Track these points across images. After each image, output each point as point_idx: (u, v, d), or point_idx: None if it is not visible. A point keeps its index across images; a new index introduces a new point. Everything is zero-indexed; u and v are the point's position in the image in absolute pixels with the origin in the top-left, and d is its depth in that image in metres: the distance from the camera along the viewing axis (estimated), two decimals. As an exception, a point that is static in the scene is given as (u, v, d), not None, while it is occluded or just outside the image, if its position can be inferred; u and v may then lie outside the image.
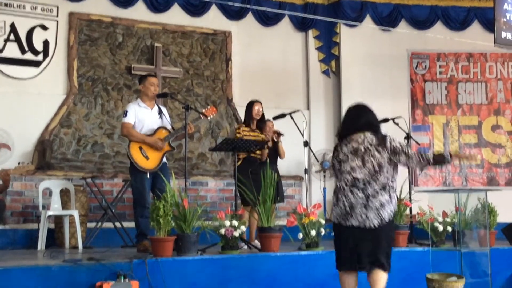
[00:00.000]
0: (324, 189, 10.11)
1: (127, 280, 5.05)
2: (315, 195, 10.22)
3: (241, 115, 9.57)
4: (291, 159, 9.09)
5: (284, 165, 8.12)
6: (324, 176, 10.13)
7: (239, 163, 6.88)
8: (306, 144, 6.95)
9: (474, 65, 11.04)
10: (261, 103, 7.29)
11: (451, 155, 4.55)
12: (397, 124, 7.51)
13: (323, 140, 10.52)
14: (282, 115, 7.12)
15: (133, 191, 6.44)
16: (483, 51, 10.99)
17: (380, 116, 7.87)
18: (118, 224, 7.77)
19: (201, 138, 9.93)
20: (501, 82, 11.05)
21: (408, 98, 10.81)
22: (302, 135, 6.97)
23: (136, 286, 5.08)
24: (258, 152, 7.05)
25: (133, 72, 9.51)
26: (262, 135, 7.23)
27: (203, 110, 6.65)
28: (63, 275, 5.01)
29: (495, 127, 11.01)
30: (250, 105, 7.29)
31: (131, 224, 7.03)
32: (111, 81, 9.49)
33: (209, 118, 6.72)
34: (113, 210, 7.93)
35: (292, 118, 7.04)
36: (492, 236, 6.66)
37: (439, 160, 4.53)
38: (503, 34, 8.70)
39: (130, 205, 8.39)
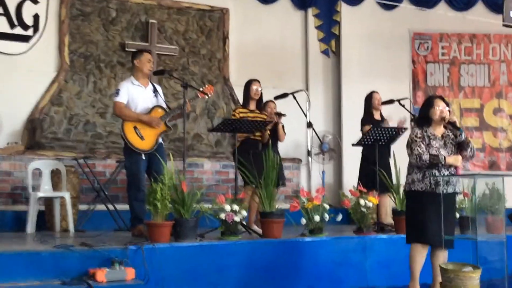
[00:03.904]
0: (323, 172, 9.85)
1: (122, 267, 4.79)
2: (313, 178, 9.96)
3: (238, 94, 9.34)
4: (290, 140, 8.85)
5: (282, 147, 7.83)
6: (323, 159, 9.88)
7: (238, 145, 6.61)
8: (309, 125, 6.68)
9: (477, 46, 10.77)
10: (259, 82, 7.02)
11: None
12: (403, 106, 7.24)
13: (321, 121, 10.19)
14: (284, 95, 6.84)
15: (127, 173, 6.14)
16: (486, 32, 10.72)
17: (382, 98, 7.76)
18: (111, 207, 7.51)
19: (197, 118, 9.61)
20: (504, 65, 10.80)
21: (410, 79, 10.55)
22: (306, 115, 6.68)
23: (132, 273, 4.82)
24: (258, 134, 6.78)
25: (126, 49, 9.13)
26: (262, 115, 6.96)
27: (202, 89, 6.32)
28: (54, 261, 4.75)
29: (497, 111, 10.77)
30: (248, 85, 7.02)
31: (125, 207, 6.76)
32: (104, 58, 9.13)
33: (207, 97, 6.37)
34: (106, 192, 7.66)
35: (294, 98, 6.75)
36: (500, 223, 6.41)
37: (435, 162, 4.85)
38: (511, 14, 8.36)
39: (123, 187, 8.07)
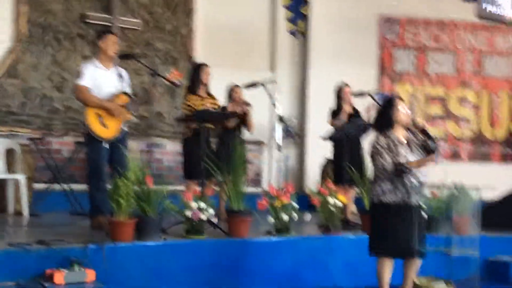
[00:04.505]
0: (287, 156, 9.67)
1: (81, 268, 4.52)
2: (276, 161, 9.78)
3: (202, 73, 9.06)
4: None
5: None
6: (287, 142, 9.70)
7: (190, 133, 6.37)
8: (281, 119, 6.45)
9: (445, 34, 10.68)
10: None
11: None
12: (374, 99, 7.08)
13: (287, 103, 9.98)
14: (254, 84, 6.57)
15: (88, 162, 5.82)
16: (455, 20, 10.63)
17: (350, 83, 7.59)
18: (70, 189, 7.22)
19: (159, 97, 9.28)
20: (470, 53, 10.76)
21: (377, 64, 10.42)
22: (274, 106, 6.45)
23: (92, 275, 4.54)
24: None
25: (87, 20, 8.69)
26: (216, 100, 6.73)
27: (169, 75, 5.99)
28: (8, 261, 4.40)
29: (461, 100, 10.76)
30: (198, 69, 6.72)
31: (82, 187, 6.51)
32: (63, 30, 8.67)
33: (178, 83, 6.05)
34: (62, 173, 7.35)
35: (265, 88, 6.50)
36: (466, 222, 6.37)
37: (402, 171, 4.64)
38: (484, 6, 8.26)
39: (81, 166, 7.85)
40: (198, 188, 5.86)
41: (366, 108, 7.32)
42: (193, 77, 6.71)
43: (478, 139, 10.76)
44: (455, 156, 10.53)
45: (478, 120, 10.79)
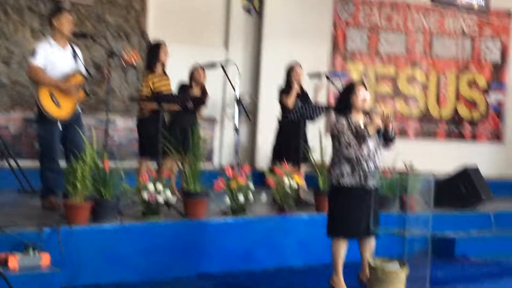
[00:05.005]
0: (237, 130, 9.67)
1: (36, 252, 4.45)
2: (227, 138, 9.78)
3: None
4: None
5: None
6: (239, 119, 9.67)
7: (144, 114, 6.32)
8: (239, 102, 6.43)
9: (397, 14, 10.80)
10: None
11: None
12: (331, 80, 7.13)
13: (240, 81, 9.94)
14: (213, 65, 6.52)
15: (40, 142, 5.69)
16: (407, 1, 10.75)
17: (303, 61, 7.61)
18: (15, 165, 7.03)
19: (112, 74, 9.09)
20: (421, 34, 10.92)
21: (330, 43, 10.48)
22: (234, 89, 6.43)
23: (47, 259, 4.50)
24: None
25: (36, -9, 8.43)
26: (169, 80, 6.67)
27: (126, 56, 5.86)
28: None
29: (410, 79, 10.95)
30: (157, 48, 6.61)
31: (30, 164, 6.33)
32: (11, 1, 8.36)
33: (135, 64, 5.95)
34: (9, 150, 7.15)
35: (223, 69, 6.46)
36: (416, 201, 6.51)
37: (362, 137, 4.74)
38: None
39: (29, 142, 7.68)
40: (151, 166, 5.83)
41: (314, 88, 7.33)
42: (152, 56, 6.60)
43: (425, 117, 11.00)
44: (402, 133, 10.73)
45: (426, 99, 11.01)
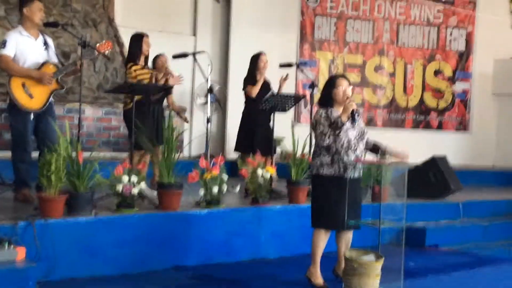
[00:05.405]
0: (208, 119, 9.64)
1: (11, 246, 4.38)
2: (198, 127, 9.74)
3: (123, 36, 8.80)
4: (174, 88, 8.52)
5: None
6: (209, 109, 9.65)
7: (129, 106, 6.24)
8: (211, 90, 6.40)
9: (364, 2, 10.88)
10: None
11: None
12: (302, 70, 7.15)
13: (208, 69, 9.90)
14: (184, 55, 6.47)
15: (12, 133, 5.60)
16: (374, -11, 10.86)
17: (270, 50, 7.60)
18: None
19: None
20: (388, 23, 11.02)
21: (298, 31, 10.51)
22: (207, 80, 6.40)
23: (23, 253, 4.42)
24: None
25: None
26: (152, 71, 6.61)
27: (99, 46, 5.79)
28: None
29: (378, 68, 11.06)
30: (139, 38, 6.55)
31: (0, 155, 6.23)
32: (-25, -12, 8.21)
33: (109, 55, 5.89)
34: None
35: (195, 59, 6.42)
36: (387, 191, 6.60)
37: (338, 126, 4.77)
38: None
39: (0, 133, 7.57)
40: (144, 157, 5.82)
41: (280, 78, 7.33)
42: (135, 48, 6.52)
43: (392, 106, 11.13)
44: (370, 122, 10.85)
45: (393, 88, 11.14)
